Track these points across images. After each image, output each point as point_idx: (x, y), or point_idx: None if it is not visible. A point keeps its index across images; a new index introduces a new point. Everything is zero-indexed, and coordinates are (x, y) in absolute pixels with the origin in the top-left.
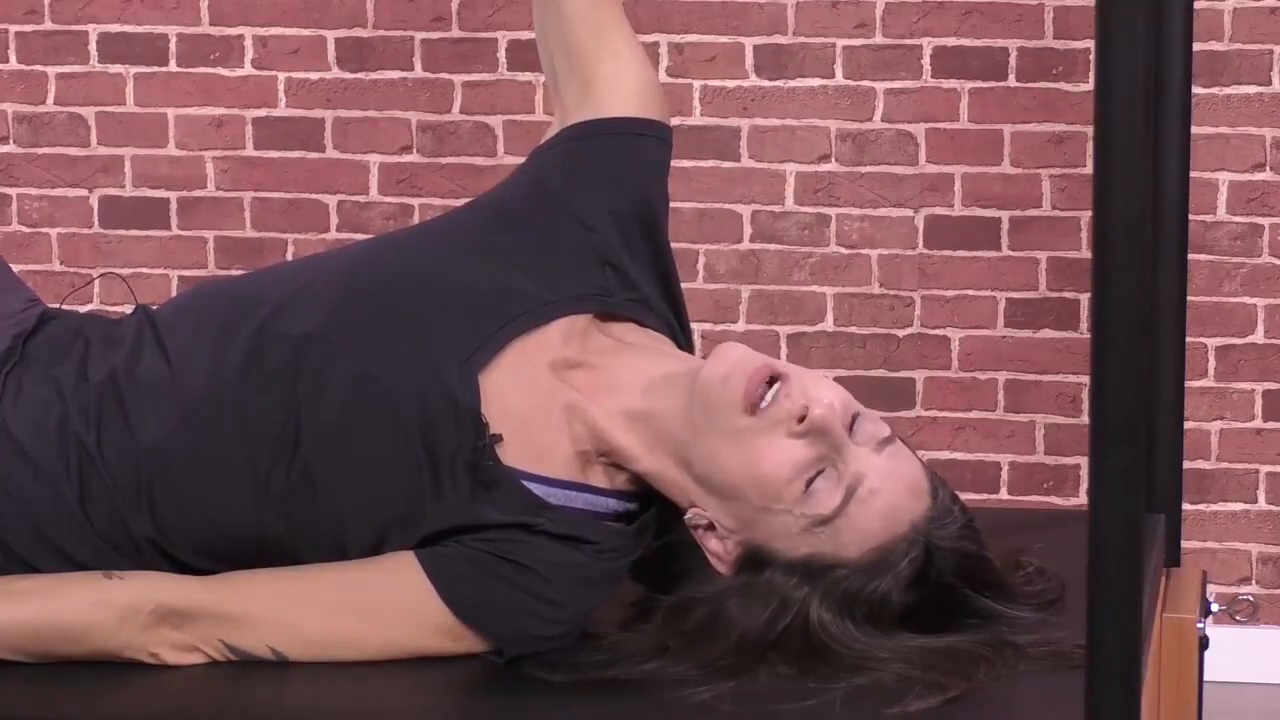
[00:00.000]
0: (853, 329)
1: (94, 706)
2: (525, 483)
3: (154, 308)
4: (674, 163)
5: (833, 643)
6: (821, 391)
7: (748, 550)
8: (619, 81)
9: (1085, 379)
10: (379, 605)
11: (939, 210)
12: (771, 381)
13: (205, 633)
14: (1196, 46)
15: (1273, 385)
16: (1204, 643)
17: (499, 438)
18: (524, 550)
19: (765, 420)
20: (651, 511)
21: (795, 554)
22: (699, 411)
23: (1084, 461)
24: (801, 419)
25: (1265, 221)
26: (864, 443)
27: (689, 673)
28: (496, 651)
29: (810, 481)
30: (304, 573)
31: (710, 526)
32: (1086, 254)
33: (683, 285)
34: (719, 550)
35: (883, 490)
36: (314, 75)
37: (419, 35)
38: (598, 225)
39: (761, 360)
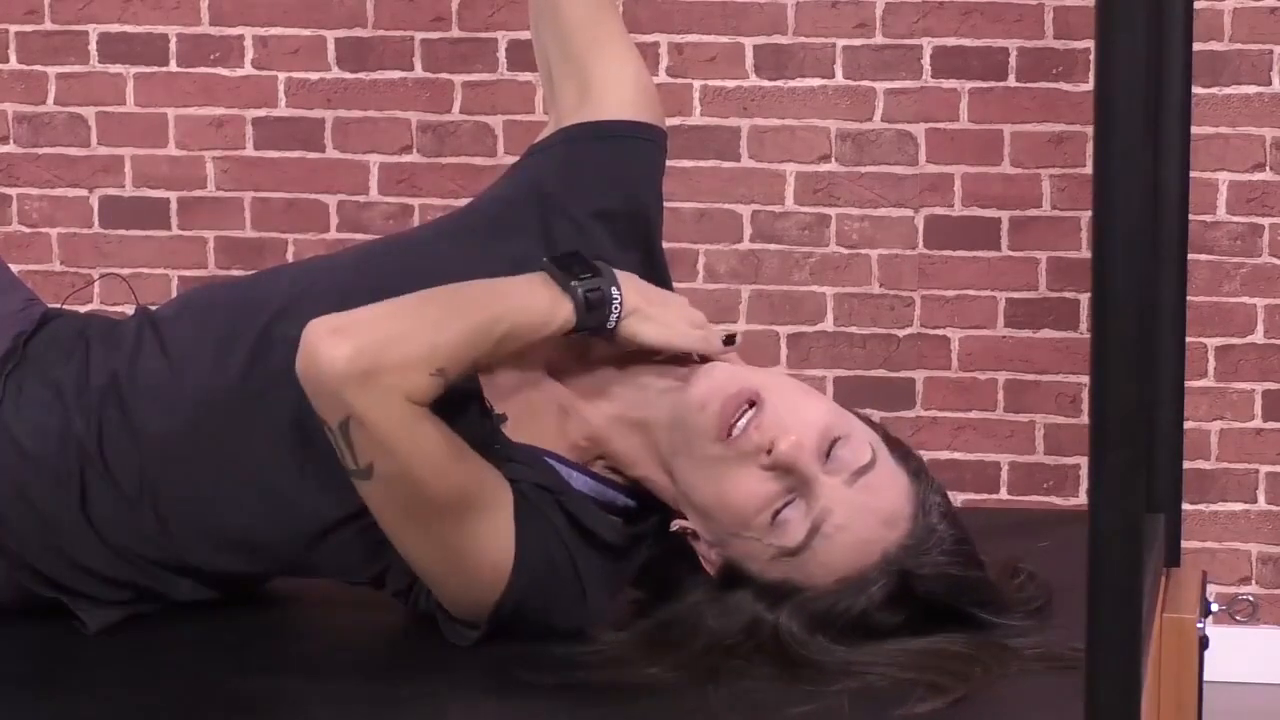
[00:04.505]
0: (853, 329)
1: (91, 698)
2: (542, 457)
3: (154, 309)
4: (674, 163)
5: (811, 655)
6: (793, 421)
7: (729, 563)
8: (615, 85)
9: (1085, 379)
10: (489, 492)
11: (939, 210)
12: (752, 404)
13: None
14: (1196, 46)
15: (1273, 385)
16: (1204, 643)
17: (504, 418)
18: (554, 516)
19: (735, 450)
20: (653, 519)
21: (767, 576)
22: (678, 432)
23: (1084, 461)
24: (769, 452)
25: (1265, 221)
26: (837, 472)
27: (676, 677)
28: (473, 625)
29: (778, 512)
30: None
31: (697, 535)
32: (1086, 254)
33: (683, 285)
34: (708, 554)
35: (850, 526)
36: (314, 75)
37: (419, 35)
38: (591, 227)
39: (738, 386)
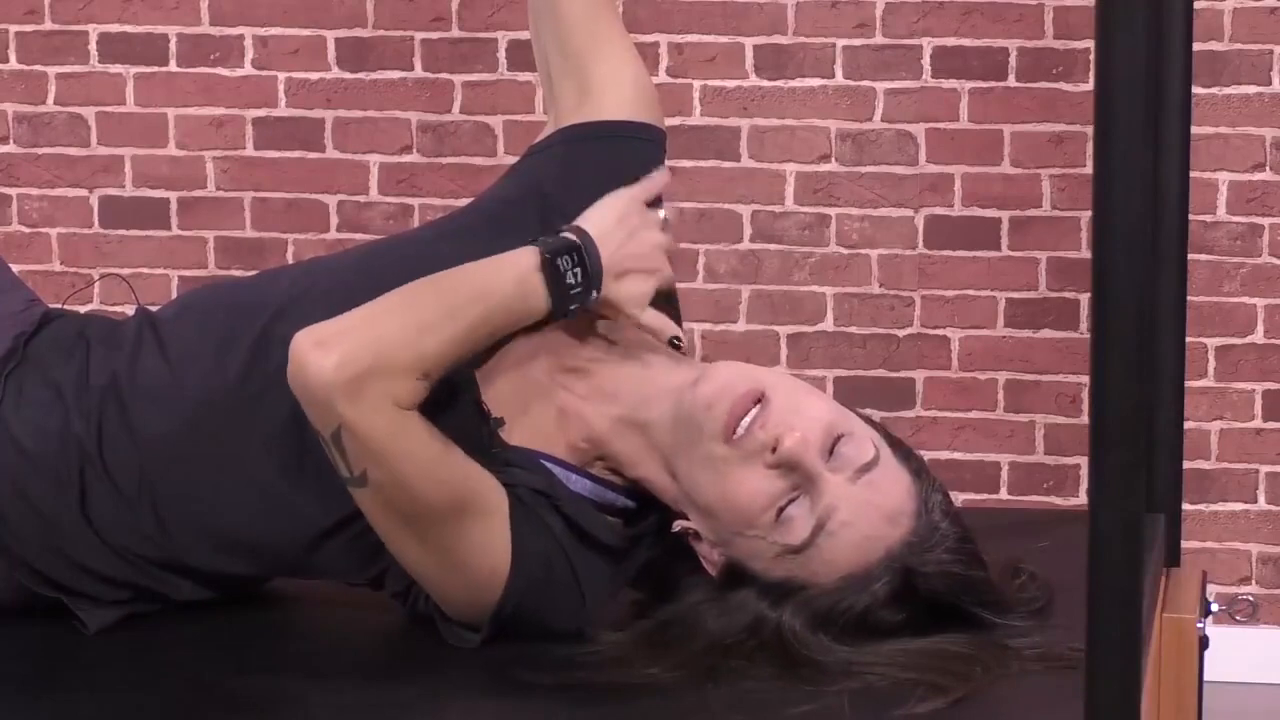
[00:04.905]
0: (853, 329)
1: (91, 698)
2: (539, 460)
3: (154, 310)
4: (674, 163)
5: (813, 654)
6: (797, 419)
7: (731, 562)
8: (615, 85)
9: (1085, 379)
10: (482, 498)
11: (939, 210)
12: (757, 402)
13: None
14: (1196, 46)
15: (1273, 385)
16: (1204, 643)
17: (501, 421)
18: (551, 519)
19: (741, 450)
20: (652, 519)
21: (770, 575)
22: (682, 430)
23: (1084, 461)
24: (774, 450)
25: (1265, 221)
26: (841, 469)
27: (676, 677)
28: (472, 628)
29: (782, 509)
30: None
31: (699, 535)
32: (1086, 254)
33: (683, 285)
34: (709, 555)
35: (854, 523)
36: (314, 75)
37: (419, 35)
38: None
39: (747, 386)
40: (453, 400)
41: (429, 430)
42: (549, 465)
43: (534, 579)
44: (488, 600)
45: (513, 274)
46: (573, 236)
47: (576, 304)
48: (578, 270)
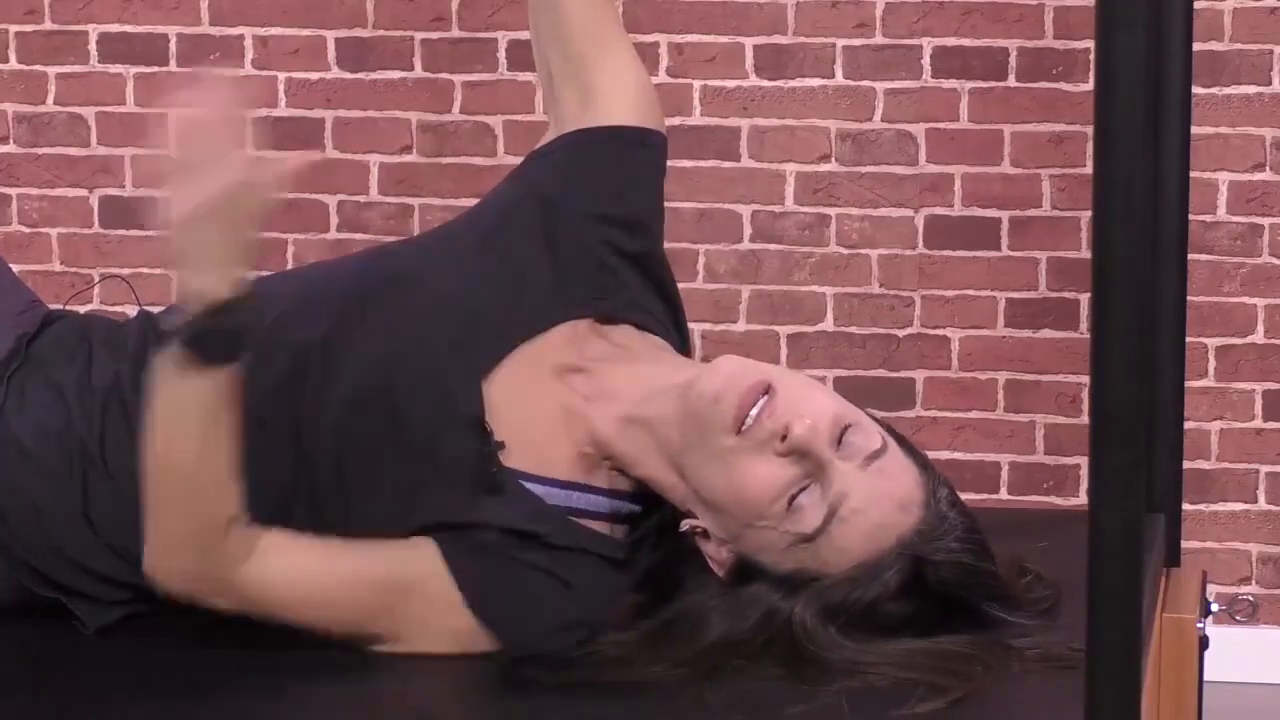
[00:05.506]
0: (853, 329)
1: (91, 698)
2: (529, 485)
3: (156, 312)
4: (674, 163)
5: (820, 650)
6: (806, 408)
7: (740, 559)
8: (617, 90)
9: (1085, 379)
10: (393, 579)
11: (939, 210)
12: (765, 393)
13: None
14: (1196, 46)
15: (1273, 385)
16: (1204, 643)
17: (501, 444)
18: (533, 555)
19: (750, 440)
20: (652, 521)
21: (782, 568)
22: (690, 425)
23: (1084, 461)
24: (784, 438)
25: (1265, 221)
26: (851, 457)
27: (681, 675)
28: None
29: (793, 498)
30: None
31: (706, 534)
32: (1086, 254)
33: (683, 285)
34: (716, 555)
35: (865, 509)
36: (314, 75)
37: (419, 35)
38: (594, 231)
39: (754, 378)
40: (455, 417)
41: (297, 553)
42: (539, 490)
43: (520, 618)
44: (485, 648)
45: (190, 393)
46: (178, 323)
47: (233, 344)
48: (210, 338)
